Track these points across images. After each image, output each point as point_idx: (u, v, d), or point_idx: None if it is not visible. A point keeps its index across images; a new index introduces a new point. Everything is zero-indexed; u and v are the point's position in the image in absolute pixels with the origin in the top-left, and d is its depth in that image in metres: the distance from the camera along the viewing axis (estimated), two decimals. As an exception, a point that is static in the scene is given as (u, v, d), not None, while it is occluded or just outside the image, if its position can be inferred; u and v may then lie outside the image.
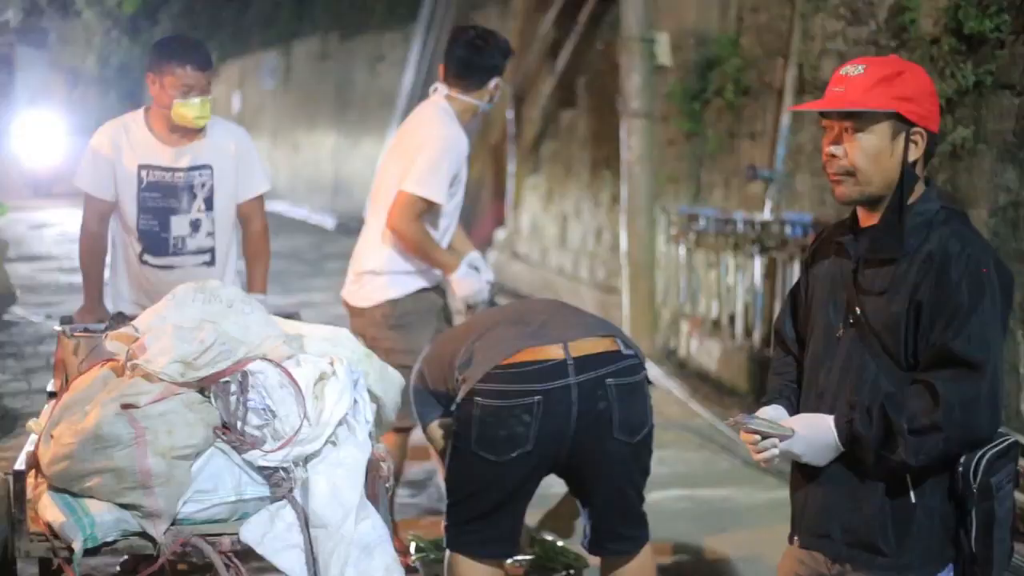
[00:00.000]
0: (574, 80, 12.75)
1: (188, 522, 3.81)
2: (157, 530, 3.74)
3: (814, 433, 3.31)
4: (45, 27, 36.59)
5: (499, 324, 4.53)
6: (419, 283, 5.83)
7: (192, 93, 5.46)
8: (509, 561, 4.89)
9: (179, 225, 5.64)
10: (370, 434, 4.07)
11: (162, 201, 5.61)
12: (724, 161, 9.53)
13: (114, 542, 3.77)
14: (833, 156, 3.32)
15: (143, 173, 5.59)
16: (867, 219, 3.39)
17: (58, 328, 4.79)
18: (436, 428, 4.64)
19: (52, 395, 4.54)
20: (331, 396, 3.92)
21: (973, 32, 6.50)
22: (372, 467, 3.99)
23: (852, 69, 3.32)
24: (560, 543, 5.35)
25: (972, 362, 3.17)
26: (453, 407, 4.44)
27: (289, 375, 3.91)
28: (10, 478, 3.82)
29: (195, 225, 5.66)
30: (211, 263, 5.68)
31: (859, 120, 3.28)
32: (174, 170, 5.61)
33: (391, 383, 4.38)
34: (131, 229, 5.63)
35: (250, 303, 4.11)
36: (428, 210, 5.70)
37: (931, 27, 6.86)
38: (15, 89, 38.86)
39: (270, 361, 3.93)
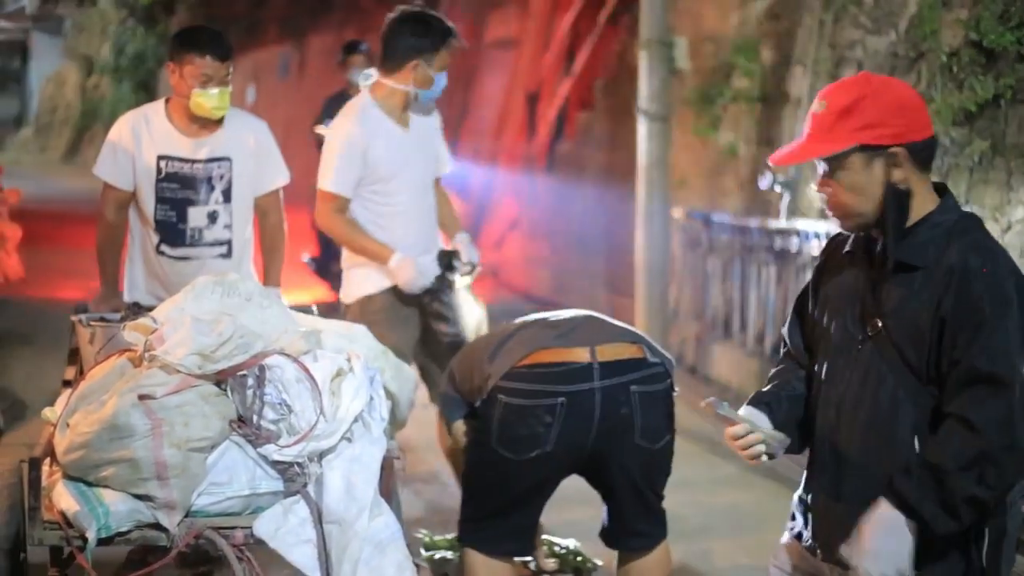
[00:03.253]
0: (591, 82, 12.75)
1: (201, 514, 3.81)
2: (171, 521, 3.75)
3: (888, 537, 3.18)
4: (61, 15, 36.65)
5: (528, 327, 4.54)
6: (388, 281, 5.81)
7: (211, 83, 5.46)
8: (519, 560, 4.89)
9: (197, 216, 5.65)
10: (384, 431, 4.08)
11: (180, 192, 5.62)
12: (739, 167, 9.53)
13: (127, 532, 3.77)
14: (824, 198, 3.33)
15: (162, 164, 5.59)
16: (876, 237, 3.38)
17: (74, 317, 4.79)
18: (461, 426, 4.65)
19: (67, 383, 4.55)
20: (348, 392, 3.92)
21: (993, 45, 6.49)
22: (386, 464, 3.99)
23: (817, 106, 3.30)
24: (571, 544, 5.36)
25: (999, 379, 3.12)
26: (477, 403, 4.45)
27: (306, 370, 3.91)
28: (25, 465, 3.83)
29: (212, 217, 5.66)
30: (228, 255, 5.69)
31: (829, 162, 3.27)
32: (193, 161, 5.61)
33: (406, 380, 4.40)
34: (148, 219, 5.64)
35: (268, 297, 4.12)
36: (340, 203, 5.76)
37: (951, 39, 6.86)
38: (29, 76, 38.96)
39: (287, 356, 3.93)
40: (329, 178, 5.77)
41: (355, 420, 3.94)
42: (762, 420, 3.45)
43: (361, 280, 5.85)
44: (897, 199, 3.27)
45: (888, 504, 3.18)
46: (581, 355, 4.36)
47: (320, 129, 7.52)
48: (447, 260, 5.84)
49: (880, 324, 3.30)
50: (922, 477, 3.15)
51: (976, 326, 3.15)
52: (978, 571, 3.24)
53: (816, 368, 3.47)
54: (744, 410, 3.47)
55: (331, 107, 9.19)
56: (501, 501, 4.46)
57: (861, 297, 3.37)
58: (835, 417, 3.37)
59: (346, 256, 5.92)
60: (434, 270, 5.77)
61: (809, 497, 3.45)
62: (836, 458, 3.37)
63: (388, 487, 3.99)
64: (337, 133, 5.83)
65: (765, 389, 3.55)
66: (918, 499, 3.14)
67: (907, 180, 3.27)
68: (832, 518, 3.37)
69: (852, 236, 3.45)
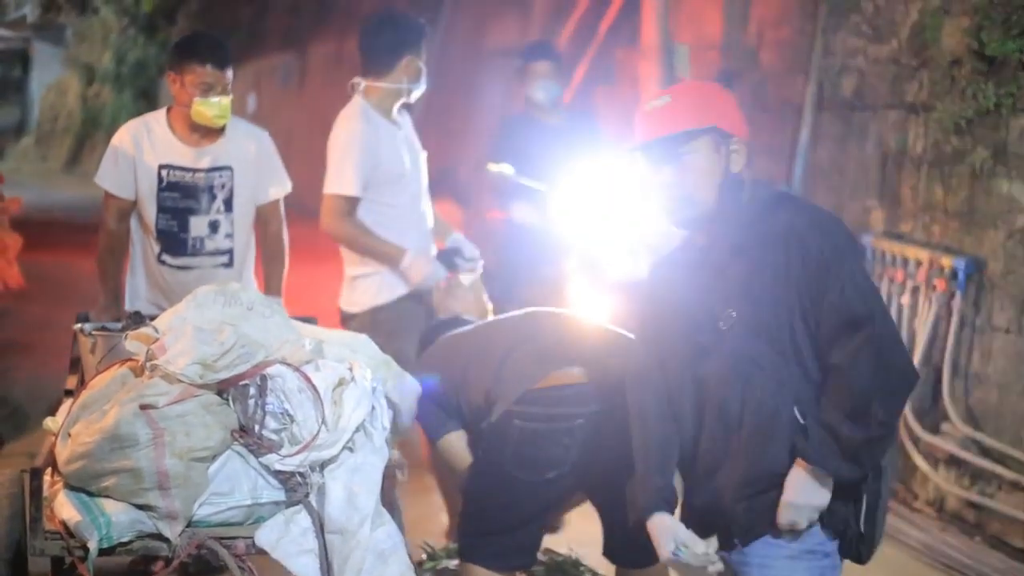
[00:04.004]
0: (592, 90, 12.73)
1: (203, 524, 3.81)
2: (172, 532, 3.74)
3: (801, 488, 3.41)
4: (62, 23, 36.65)
5: (522, 344, 4.48)
6: (402, 289, 5.83)
7: (212, 92, 5.46)
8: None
9: (198, 226, 5.65)
10: (386, 440, 4.07)
11: (181, 201, 5.62)
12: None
13: (129, 542, 3.77)
14: (667, 185, 3.45)
15: (163, 173, 5.60)
16: (706, 234, 3.54)
17: (75, 326, 4.78)
18: (454, 441, 4.60)
19: (69, 393, 4.54)
20: (349, 402, 3.91)
21: (995, 53, 6.48)
22: (387, 474, 3.98)
23: (658, 102, 3.49)
24: (573, 555, 5.35)
25: (858, 318, 3.32)
26: (485, 424, 4.41)
27: (308, 380, 3.90)
28: (27, 475, 3.82)
29: (214, 226, 5.66)
30: (229, 264, 5.69)
31: (684, 144, 3.43)
32: (194, 170, 5.61)
33: (408, 390, 4.38)
34: (150, 228, 5.64)
35: (270, 306, 4.11)
36: (350, 206, 5.75)
37: (953, 47, 6.85)
38: (30, 84, 38.96)
39: (289, 365, 3.92)
40: (337, 180, 5.76)
41: (357, 430, 3.93)
42: (699, 543, 3.55)
43: (370, 290, 5.84)
44: (737, 187, 3.49)
45: (800, 465, 3.38)
46: (583, 375, 4.34)
47: (496, 168, 7.23)
48: (450, 258, 5.86)
49: (734, 313, 3.43)
50: (820, 436, 3.34)
51: (823, 276, 3.34)
52: (856, 534, 3.45)
53: (680, 382, 3.57)
54: (689, 539, 3.56)
55: (511, 133, 7.68)
56: (511, 519, 4.42)
57: (705, 298, 3.49)
58: (716, 420, 3.49)
59: (351, 264, 5.90)
60: (441, 268, 5.78)
61: (698, 502, 3.58)
62: (724, 456, 3.49)
63: (390, 497, 3.98)
64: (342, 135, 5.82)
65: (658, 483, 3.61)
66: (821, 457, 3.34)
67: (742, 172, 3.50)
68: (706, 492, 3.54)
69: (668, 260, 3.64)
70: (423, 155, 6.09)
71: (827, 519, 3.45)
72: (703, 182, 3.45)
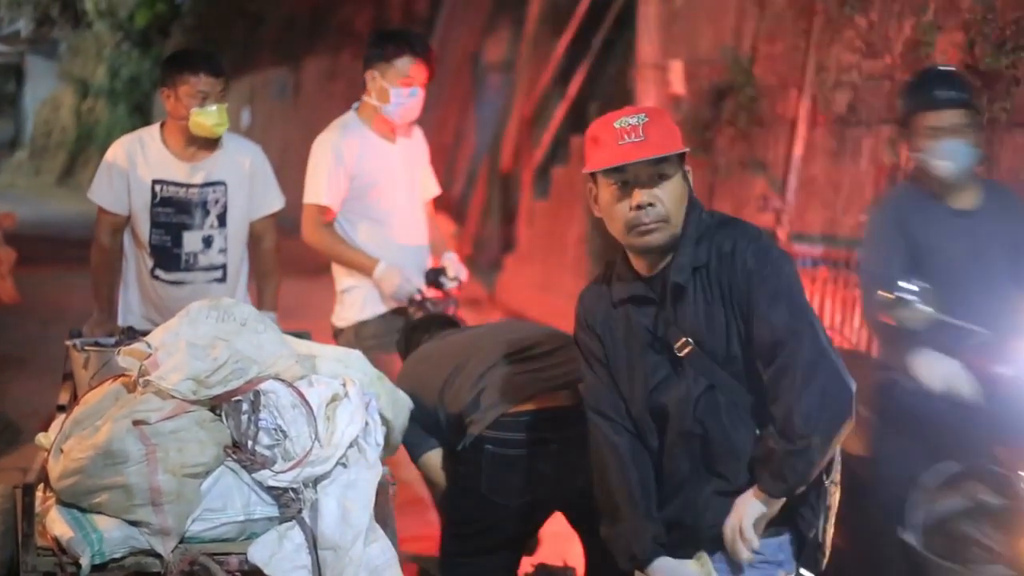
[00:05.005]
0: (586, 105, 12.76)
1: (196, 540, 3.79)
2: (165, 548, 3.73)
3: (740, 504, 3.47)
4: (56, 38, 36.68)
5: (498, 366, 4.46)
6: (385, 305, 5.84)
7: (208, 101, 5.46)
8: None
9: (191, 241, 5.64)
10: (379, 456, 4.06)
11: (175, 216, 5.62)
12: (735, 190, 9.53)
13: (122, 559, 3.74)
14: (650, 205, 3.41)
15: (157, 188, 5.59)
16: (651, 263, 3.51)
17: (68, 341, 4.77)
18: (433, 460, 4.59)
19: (61, 408, 4.53)
20: (343, 418, 3.90)
21: (988, 69, 6.49)
22: (380, 490, 3.97)
23: (634, 120, 3.44)
24: (566, 566, 5.33)
25: (795, 329, 3.33)
26: (460, 447, 4.39)
27: (301, 395, 3.89)
28: (19, 491, 3.81)
29: (207, 241, 5.66)
30: (223, 279, 5.68)
31: (665, 165, 3.42)
32: (188, 186, 5.61)
33: (401, 406, 4.37)
34: (143, 244, 5.63)
35: (264, 322, 4.10)
36: (323, 215, 5.78)
37: (946, 62, 6.86)
38: (24, 99, 38.98)
39: (283, 381, 3.91)
40: (313, 190, 5.79)
41: (350, 445, 3.92)
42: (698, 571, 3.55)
43: (355, 304, 5.85)
44: (694, 209, 3.50)
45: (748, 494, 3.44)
46: (570, 397, 4.31)
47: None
48: (434, 277, 5.85)
49: (689, 341, 3.44)
50: (765, 462, 3.39)
51: (751, 294, 3.37)
52: (816, 543, 3.54)
53: (640, 410, 3.56)
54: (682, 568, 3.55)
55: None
56: (489, 542, 4.41)
57: (654, 330, 3.50)
58: (679, 441, 3.50)
59: (339, 278, 5.92)
60: (419, 279, 5.77)
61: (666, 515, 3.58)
62: (690, 473, 3.51)
63: (384, 512, 3.97)
64: (316, 147, 5.84)
65: (652, 529, 3.57)
66: (757, 474, 3.41)
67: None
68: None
69: (600, 291, 3.64)
70: (422, 172, 6.08)
71: (793, 524, 3.52)
72: (677, 207, 3.45)
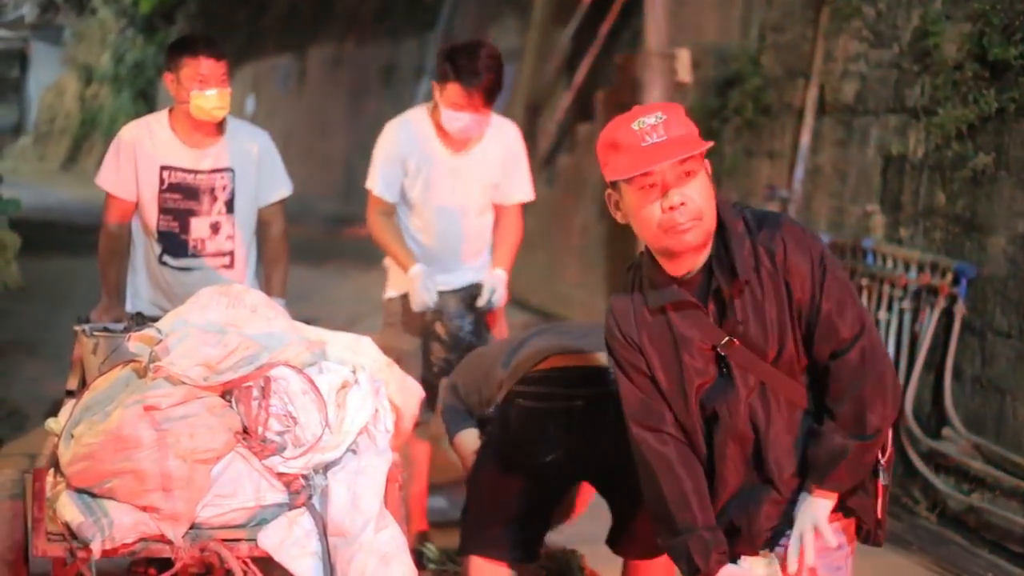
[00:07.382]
0: (592, 93, 12.74)
1: (206, 526, 3.80)
2: (175, 533, 3.74)
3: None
4: (60, 24, 36.66)
5: (541, 334, 4.56)
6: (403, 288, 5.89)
7: (209, 84, 5.45)
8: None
9: (199, 227, 5.64)
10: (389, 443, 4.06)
11: (183, 203, 5.61)
12: (742, 180, 9.52)
13: (132, 544, 3.76)
14: (683, 204, 3.28)
15: (165, 174, 5.59)
16: (684, 264, 3.39)
17: (76, 327, 4.78)
18: (467, 438, 4.62)
19: (70, 393, 4.54)
20: (353, 404, 3.91)
21: (997, 58, 6.48)
22: (391, 476, 3.98)
23: (654, 118, 3.31)
24: (571, 549, 5.33)
25: (858, 328, 3.32)
26: (490, 410, 4.43)
27: (311, 382, 3.90)
28: (29, 476, 3.82)
29: (215, 227, 5.65)
30: (230, 266, 5.68)
31: (690, 162, 3.30)
32: (196, 172, 5.60)
33: (410, 393, 4.38)
34: (151, 230, 5.63)
35: (274, 308, 4.10)
36: (376, 202, 5.85)
37: (955, 52, 6.85)
38: (28, 84, 38.98)
39: (293, 367, 3.92)
40: (371, 177, 5.89)
41: (360, 432, 3.93)
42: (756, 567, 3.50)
43: (392, 279, 5.97)
44: (724, 210, 3.40)
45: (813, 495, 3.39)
46: (599, 359, 4.32)
47: None
48: (469, 293, 5.87)
49: (738, 340, 3.37)
50: (833, 459, 3.34)
51: (820, 294, 3.32)
52: (874, 522, 3.49)
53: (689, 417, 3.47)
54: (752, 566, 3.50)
55: None
56: (513, 508, 4.39)
57: (700, 332, 3.40)
58: (732, 445, 3.44)
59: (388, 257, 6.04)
60: (433, 295, 5.75)
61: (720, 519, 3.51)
62: (744, 476, 3.46)
63: (394, 499, 3.98)
64: (381, 138, 5.91)
65: (712, 540, 3.47)
66: (835, 483, 3.37)
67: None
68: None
69: (635, 298, 3.48)
70: (481, 184, 5.92)
71: (846, 508, 3.47)
72: (708, 203, 3.33)
